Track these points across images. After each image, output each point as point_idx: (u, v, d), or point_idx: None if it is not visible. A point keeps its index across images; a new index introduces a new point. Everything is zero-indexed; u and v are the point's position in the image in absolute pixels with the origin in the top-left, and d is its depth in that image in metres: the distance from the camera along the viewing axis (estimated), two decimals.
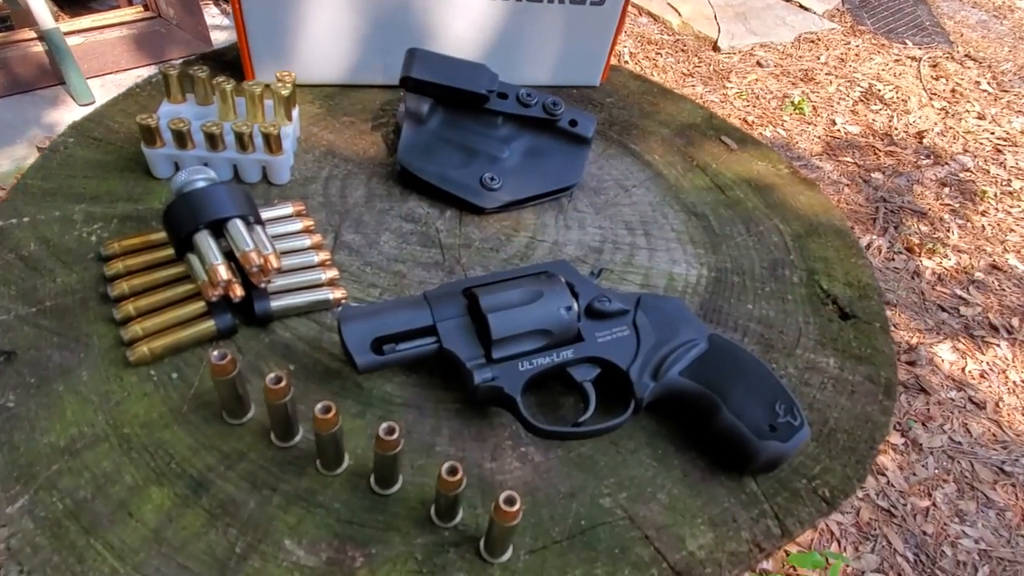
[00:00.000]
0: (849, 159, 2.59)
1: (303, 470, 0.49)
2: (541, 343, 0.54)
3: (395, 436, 0.43)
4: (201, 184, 0.56)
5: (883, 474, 1.56)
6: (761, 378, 0.54)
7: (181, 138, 0.67)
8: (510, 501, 0.41)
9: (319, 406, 0.44)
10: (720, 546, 0.48)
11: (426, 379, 0.56)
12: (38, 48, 1.91)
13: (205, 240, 0.53)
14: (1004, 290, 2.10)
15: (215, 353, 0.45)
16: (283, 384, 0.45)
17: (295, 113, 0.75)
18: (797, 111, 2.74)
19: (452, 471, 0.43)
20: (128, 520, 0.45)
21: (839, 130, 2.72)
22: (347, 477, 0.49)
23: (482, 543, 0.46)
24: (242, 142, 0.68)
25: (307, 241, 0.64)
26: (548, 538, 0.48)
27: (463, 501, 0.48)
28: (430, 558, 0.46)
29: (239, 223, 0.54)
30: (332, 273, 0.62)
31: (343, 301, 0.60)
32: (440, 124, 0.75)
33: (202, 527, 0.45)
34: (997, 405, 1.78)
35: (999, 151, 2.71)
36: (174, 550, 0.44)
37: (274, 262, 0.55)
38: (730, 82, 2.83)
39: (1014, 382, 1.83)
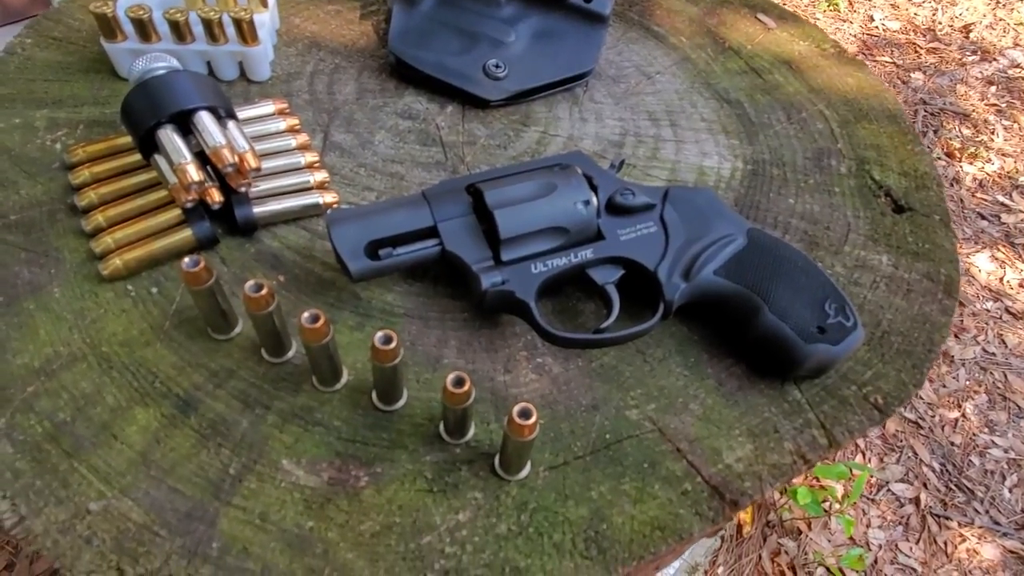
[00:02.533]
0: (887, 59, 2.39)
1: (298, 387, 0.45)
2: (556, 242, 0.47)
3: (392, 345, 0.38)
4: (161, 72, 0.49)
5: None
6: (809, 276, 0.47)
7: (143, 28, 0.59)
8: (525, 414, 0.37)
9: (305, 315, 0.39)
10: (760, 458, 0.44)
11: (430, 287, 0.51)
12: None
13: (169, 136, 0.47)
14: None
15: (187, 260, 0.40)
16: (264, 292, 0.40)
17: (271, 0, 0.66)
18: (832, 7, 2.51)
19: (458, 382, 0.38)
20: (112, 442, 0.41)
21: (877, 27, 2.50)
22: (347, 393, 0.45)
23: (497, 459, 0.42)
24: (211, 32, 0.60)
25: (292, 142, 0.57)
26: (569, 453, 0.43)
27: (474, 416, 0.44)
28: (441, 476, 0.42)
29: (206, 116, 0.47)
30: (322, 176, 0.55)
31: (335, 205, 0.54)
32: (435, 5, 0.66)
33: (192, 448, 0.42)
34: None
35: None
36: (164, 472, 0.41)
37: (252, 161, 0.49)
38: None
39: None
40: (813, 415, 0.46)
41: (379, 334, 0.38)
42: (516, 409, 0.36)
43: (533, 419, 0.36)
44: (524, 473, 0.42)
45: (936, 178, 0.63)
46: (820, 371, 0.47)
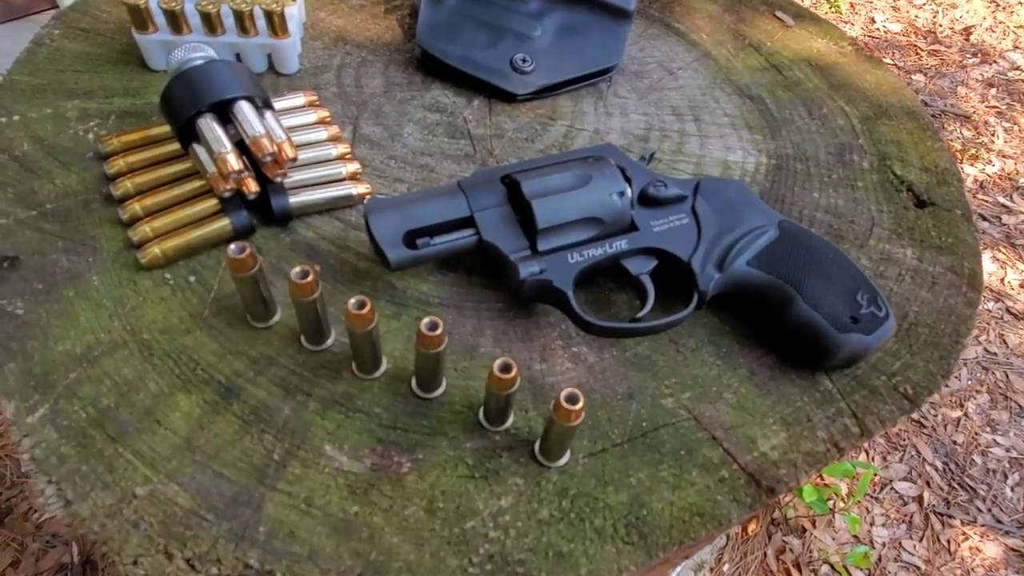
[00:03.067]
0: (889, 60, 2.41)
1: (338, 374, 0.45)
2: (591, 233, 0.48)
3: (439, 331, 0.39)
4: (199, 62, 0.49)
5: None
6: (840, 266, 0.48)
7: (175, 20, 0.59)
8: (572, 399, 0.37)
9: (352, 300, 0.39)
10: (795, 446, 0.45)
11: (464, 277, 0.51)
12: None
13: (210, 126, 0.47)
14: None
15: (233, 246, 0.40)
16: (311, 278, 0.40)
17: None
18: (833, 9, 2.53)
19: (505, 368, 0.38)
20: (156, 428, 0.42)
21: (878, 29, 2.52)
22: (386, 381, 0.45)
23: (537, 446, 0.42)
24: (243, 24, 0.60)
25: (324, 133, 0.57)
26: (608, 441, 0.44)
27: (514, 404, 0.44)
28: (482, 463, 0.42)
29: (246, 105, 0.48)
30: (354, 167, 0.56)
31: (368, 196, 0.55)
32: None
33: (236, 434, 0.42)
34: None
35: None
36: (208, 457, 0.41)
37: (289, 151, 0.49)
38: None
39: None
40: (845, 404, 0.47)
41: (425, 320, 0.39)
42: (564, 394, 0.37)
43: (580, 404, 0.37)
44: (564, 460, 0.43)
45: (956, 174, 0.64)
46: (853, 361, 0.48)
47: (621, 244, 0.48)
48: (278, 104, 0.58)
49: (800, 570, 1.26)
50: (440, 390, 0.45)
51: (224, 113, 0.48)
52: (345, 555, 0.38)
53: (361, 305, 0.39)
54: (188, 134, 0.48)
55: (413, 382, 0.45)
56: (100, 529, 0.38)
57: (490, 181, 0.50)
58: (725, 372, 0.48)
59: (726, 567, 1.25)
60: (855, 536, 1.30)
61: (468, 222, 0.48)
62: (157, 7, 0.58)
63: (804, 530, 1.32)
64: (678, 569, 1.19)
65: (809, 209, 0.60)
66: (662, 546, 0.40)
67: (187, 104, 0.47)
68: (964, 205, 0.61)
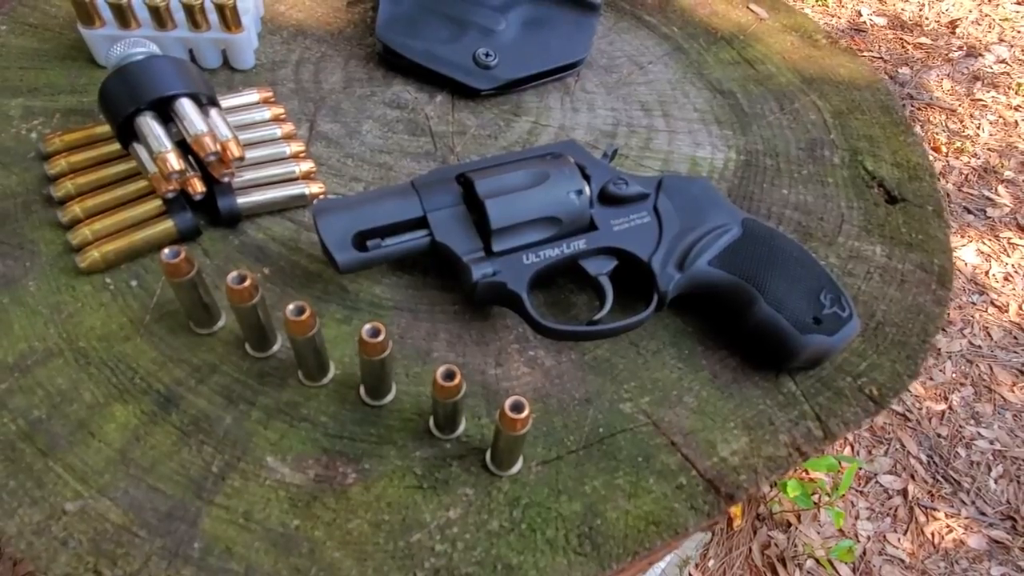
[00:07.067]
0: (874, 53, 2.40)
1: (284, 382, 0.43)
2: (548, 233, 0.47)
3: (381, 338, 0.37)
4: (139, 57, 0.47)
5: None
6: (804, 266, 0.47)
7: (122, 14, 0.57)
8: (517, 407, 0.36)
9: (291, 307, 0.37)
10: (756, 451, 0.43)
11: (419, 279, 0.50)
12: None
13: (149, 124, 0.45)
14: None
15: (166, 251, 0.39)
16: (247, 283, 0.38)
17: None
18: (819, 2, 2.52)
19: (448, 375, 0.37)
20: (90, 440, 0.40)
21: (865, 22, 2.51)
22: (334, 388, 0.44)
23: (488, 455, 0.41)
24: (193, 18, 0.58)
25: (277, 131, 0.55)
26: (562, 448, 0.43)
27: (465, 410, 0.43)
28: (431, 472, 0.41)
29: (187, 103, 0.46)
30: (308, 166, 0.54)
31: (321, 196, 0.53)
32: None
33: (173, 446, 0.40)
34: (1021, 307, 1.72)
35: None
36: (143, 471, 0.39)
37: (235, 150, 0.47)
38: None
39: None
40: (808, 407, 0.46)
41: (367, 326, 0.37)
42: (508, 403, 0.35)
43: (526, 413, 0.36)
44: (516, 468, 0.41)
45: (929, 168, 0.63)
46: (816, 362, 0.46)
47: (579, 244, 0.47)
48: (230, 101, 0.56)
49: (785, 564, 1.26)
50: (390, 397, 0.43)
51: (165, 111, 0.46)
52: (284, 571, 0.37)
53: (300, 311, 0.38)
54: (128, 133, 0.46)
55: (361, 389, 0.43)
56: (27, 547, 0.36)
57: (445, 180, 0.48)
58: (687, 375, 0.47)
59: (711, 562, 1.25)
60: (840, 530, 1.30)
61: (421, 223, 0.46)
62: (103, 0, 0.56)
63: (789, 525, 1.32)
64: (663, 565, 1.18)
65: (778, 206, 0.58)
66: (616, 557, 0.39)
67: (125, 101, 0.45)
68: (936, 201, 0.60)
